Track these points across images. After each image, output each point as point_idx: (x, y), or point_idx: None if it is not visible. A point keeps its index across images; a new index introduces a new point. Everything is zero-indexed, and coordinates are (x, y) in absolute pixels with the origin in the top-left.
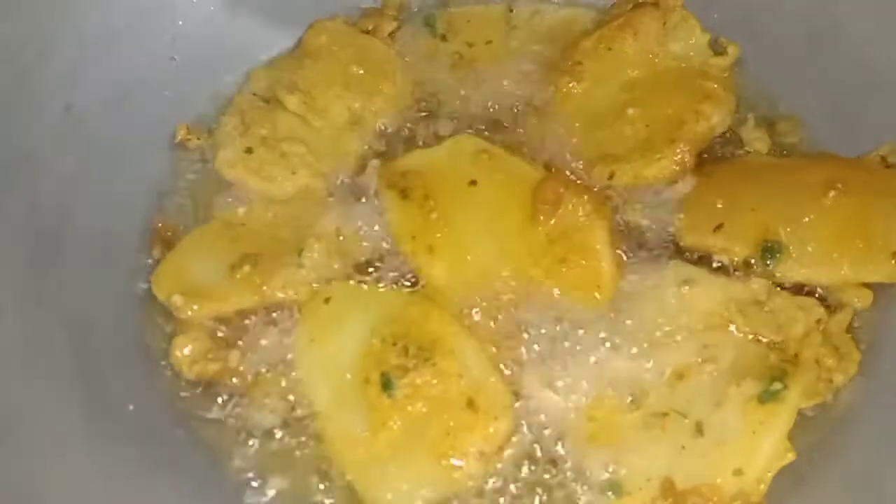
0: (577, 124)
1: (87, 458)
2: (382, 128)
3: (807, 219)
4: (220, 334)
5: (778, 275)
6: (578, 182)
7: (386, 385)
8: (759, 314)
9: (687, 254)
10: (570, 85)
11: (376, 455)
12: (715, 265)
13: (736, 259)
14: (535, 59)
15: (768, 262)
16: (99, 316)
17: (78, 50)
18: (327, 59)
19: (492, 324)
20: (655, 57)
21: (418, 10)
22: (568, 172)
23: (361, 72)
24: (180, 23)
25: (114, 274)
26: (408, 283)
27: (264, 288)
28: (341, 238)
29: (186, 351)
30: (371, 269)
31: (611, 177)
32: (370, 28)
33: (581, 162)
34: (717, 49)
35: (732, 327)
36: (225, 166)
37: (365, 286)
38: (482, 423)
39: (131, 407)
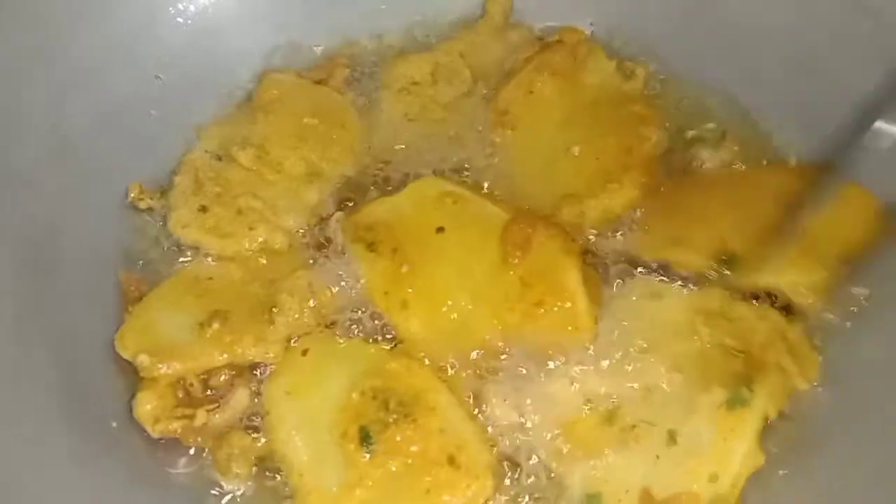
0: (527, 169)
1: (71, 473)
2: (342, 176)
3: (758, 228)
4: (186, 390)
5: (735, 284)
6: (546, 218)
7: (365, 439)
8: (723, 323)
9: (647, 267)
10: (506, 133)
11: None
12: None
13: (695, 271)
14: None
15: (726, 272)
16: (84, 332)
17: (65, 71)
18: (280, 111)
19: (471, 375)
20: (576, 92)
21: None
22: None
23: (316, 122)
24: (165, 42)
25: (100, 291)
26: (387, 337)
27: (235, 347)
28: (313, 293)
29: (149, 408)
30: (347, 324)
31: (581, 216)
32: (322, 78)
33: (545, 205)
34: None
35: (698, 337)
36: (178, 227)
37: (343, 340)
38: (464, 481)
39: (114, 424)
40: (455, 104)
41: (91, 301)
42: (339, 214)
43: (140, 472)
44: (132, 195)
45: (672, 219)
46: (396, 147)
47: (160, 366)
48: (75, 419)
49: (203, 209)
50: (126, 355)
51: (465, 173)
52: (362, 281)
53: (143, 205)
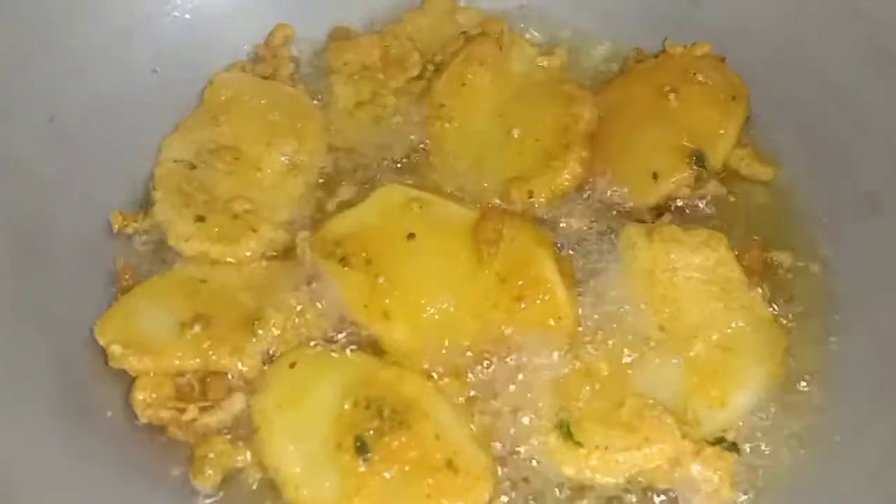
0: (470, 159)
1: (65, 462)
2: (320, 167)
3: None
4: (189, 385)
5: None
6: (513, 213)
7: (360, 449)
8: None
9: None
10: (444, 126)
11: None
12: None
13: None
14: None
15: (703, 165)
16: (79, 323)
17: (61, 61)
18: (241, 111)
19: (460, 378)
20: (506, 79)
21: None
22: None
23: (280, 117)
24: (161, 35)
25: (94, 281)
26: (373, 348)
27: (210, 353)
28: (300, 311)
29: (145, 395)
30: (331, 340)
31: (530, 195)
32: (269, 73)
33: (493, 191)
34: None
35: None
36: (181, 242)
37: (330, 352)
38: (463, 484)
39: (109, 413)
40: (406, 88)
41: (87, 291)
42: (304, 234)
43: (132, 461)
44: (116, 226)
45: (631, 164)
46: (356, 135)
47: (131, 358)
48: (70, 407)
49: (200, 219)
50: (102, 342)
51: (415, 155)
52: (339, 296)
53: (130, 230)
